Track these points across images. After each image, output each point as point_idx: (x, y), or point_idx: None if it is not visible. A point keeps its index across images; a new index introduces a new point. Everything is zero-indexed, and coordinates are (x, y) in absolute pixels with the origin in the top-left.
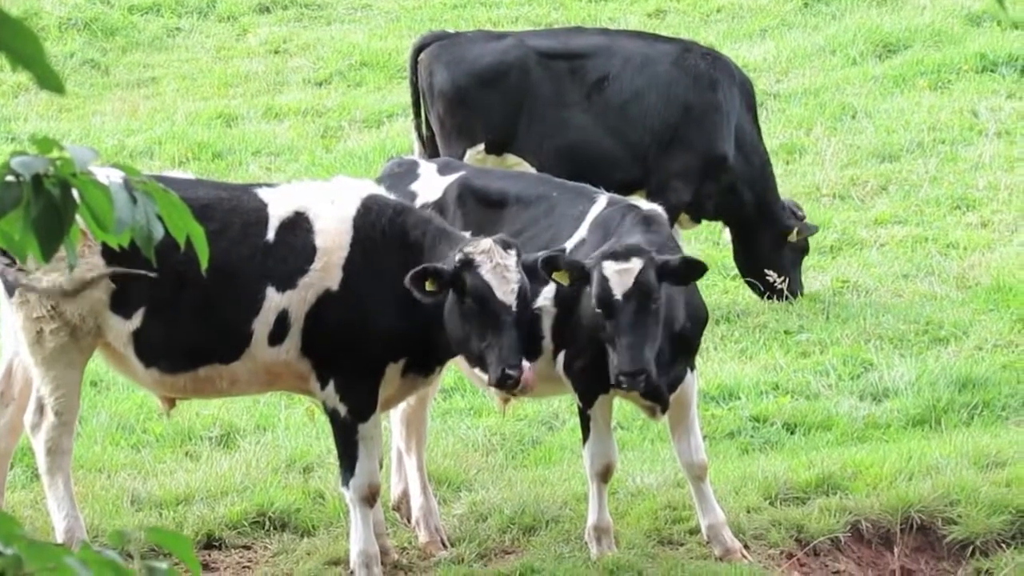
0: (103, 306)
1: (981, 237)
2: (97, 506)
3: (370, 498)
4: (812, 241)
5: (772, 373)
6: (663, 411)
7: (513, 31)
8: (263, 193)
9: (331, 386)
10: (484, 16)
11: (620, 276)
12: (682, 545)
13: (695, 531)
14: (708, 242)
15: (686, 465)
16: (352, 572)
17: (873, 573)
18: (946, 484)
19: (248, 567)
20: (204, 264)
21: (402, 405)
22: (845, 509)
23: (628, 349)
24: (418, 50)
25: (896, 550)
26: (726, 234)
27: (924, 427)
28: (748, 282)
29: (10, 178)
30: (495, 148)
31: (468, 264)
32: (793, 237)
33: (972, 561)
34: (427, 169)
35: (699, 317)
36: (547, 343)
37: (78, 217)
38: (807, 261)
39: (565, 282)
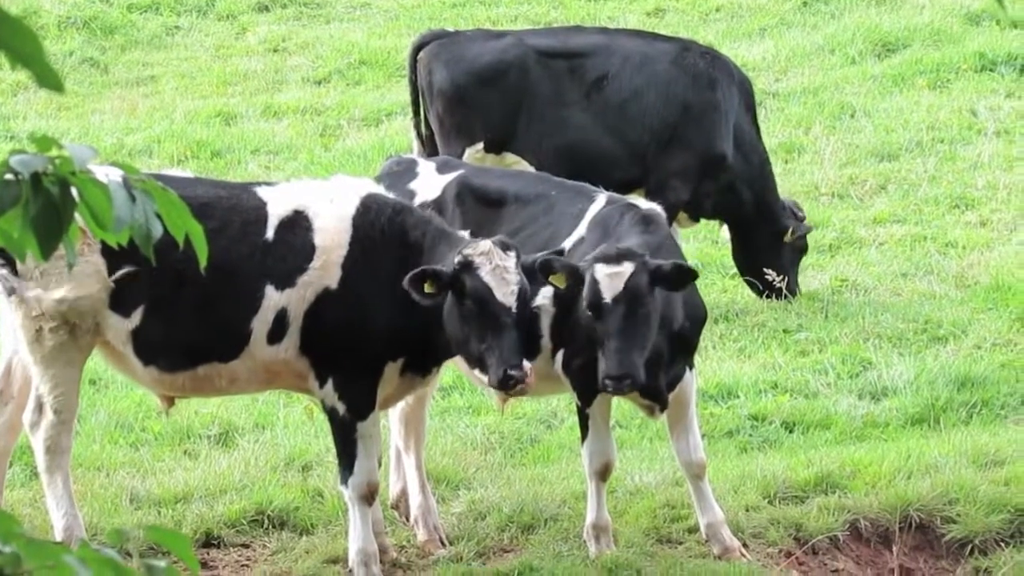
0: (102, 304)
1: (980, 236)
2: (96, 504)
3: (369, 496)
4: (811, 240)
5: (771, 372)
6: (662, 410)
7: (512, 30)
8: (262, 192)
9: (330, 384)
10: (483, 15)
11: (610, 280)
12: (681, 543)
13: (694, 529)
14: (707, 240)
15: (685, 464)
16: (351, 570)
17: (872, 572)
18: (945, 483)
19: (247, 565)
20: (203, 262)
21: (401, 404)
22: (844, 508)
23: (615, 353)
24: (417, 49)
25: (895, 549)
26: (725, 232)
27: (923, 426)
28: (747, 281)
29: (9, 176)
30: (494, 147)
31: (467, 266)
32: (788, 237)
33: (971, 560)
34: (426, 168)
35: (698, 316)
36: (546, 342)
37: (77, 215)
38: (806, 260)
39: (561, 285)
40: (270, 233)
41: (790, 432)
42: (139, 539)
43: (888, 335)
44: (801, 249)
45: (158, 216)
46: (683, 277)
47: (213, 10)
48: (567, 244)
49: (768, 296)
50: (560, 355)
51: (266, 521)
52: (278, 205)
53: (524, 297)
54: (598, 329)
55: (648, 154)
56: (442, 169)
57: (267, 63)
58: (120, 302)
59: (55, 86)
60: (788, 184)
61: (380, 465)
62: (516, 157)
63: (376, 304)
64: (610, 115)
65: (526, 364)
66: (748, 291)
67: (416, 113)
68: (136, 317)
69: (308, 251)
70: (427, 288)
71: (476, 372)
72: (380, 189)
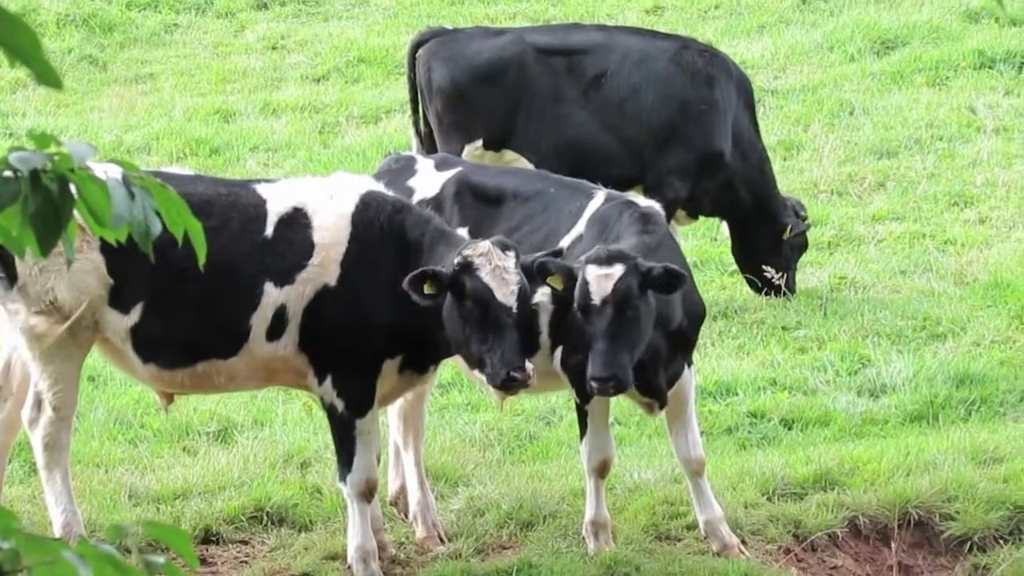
0: (101, 301)
1: (979, 233)
2: (95, 501)
3: (367, 493)
4: (810, 237)
5: (770, 369)
6: (661, 407)
7: (511, 27)
8: (262, 189)
9: (328, 381)
10: (482, 12)
11: (599, 281)
12: (680, 540)
13: (693, 526)
14: (705, 238)
15: (684, 461)
16: (349, 567)
17: (871, 569)
18: (944, 480)
19: (246, 562)
20: (202, 259)
21: (399, 400)
22: (843, 505)
23: (600, 355)
24: (416, 46)
25: (894, 546)
26: (724, 230)
27: (922, 423)
28: (747, 278)
29: (8, 174)
30: (493, 144)
31: (467, 267)
32: (787, 234)
33: (970, 557)
34: (424, 165)
35: (696, 313)
36: (544, 339)
37: (76, 212)
38: (805, 257)
39: (559, 287)
40: (269, 230)
41: (789, 429)
42: (138, 535)
43: (887, 332)
44: (800, 247)
45: (157, 213)
46: (673, 281)
47: (212, 8)
48: (566, 241)
49: (767, 293)
50: (559, 352)
51: (265, 517)
52: (277, 202)
53: (524, 297)
54: (586, 330)
55: (646, 151)
56: (441, 166)
57: (266, 61)
58: (119, 299)
59: (54, 83)
60: (787, 182)
61: (379, 462)
62: (515, 154)
63: (375, 301)
64: (609, 112)
65: (528, 365)
66: (747, 288)
67: (415, 111)
68: (135, 314)
69: (307, 248)
70: (427, 289)
71: (476, 372)
72: (380, 187)
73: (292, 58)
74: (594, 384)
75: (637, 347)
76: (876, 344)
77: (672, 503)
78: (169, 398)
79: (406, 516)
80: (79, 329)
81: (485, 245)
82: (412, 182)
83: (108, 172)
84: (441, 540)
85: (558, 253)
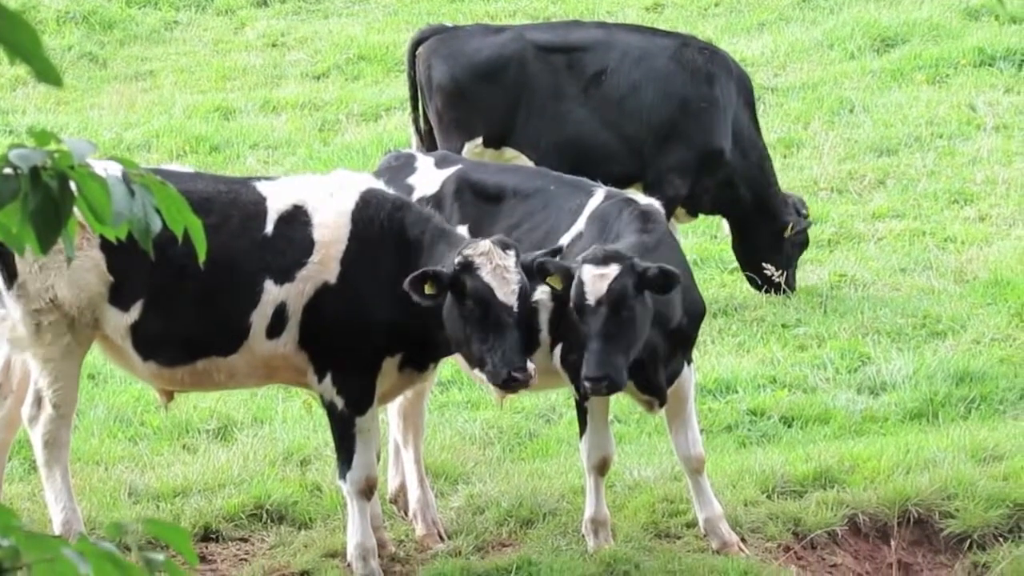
0: (101, 299)
1: (979, 231)
2: (95, 498)
3: (367, 491)
4: (810, 235)
5: (769, 367)
6: (660, 405)
7: (511, 24)
8: (262, 186)
9: (328, 379)
10: (482, 10)
11: (594, 281)
12: (679, 538)
13: (692, 524)
14: (705, 235)
15: (683, 458)
16: (349, 565)
17: (870, 566)
18: (943, 478)
19: (245, 559)
20: (202, 257)
21: (399, 398)
22: (842, 502)
23: (593, 355)
24: (416, 44)
25: (893, 543)
26: (725, 227)
27: (921, 421)
28: (747, 276)
29: (8, 171)
30: (493, 142)
31: (468, 266)
32: (787, 232)
33: (969, 554)
34: (424, 163)
35: (696, 311)
36: (544, 336)
37: (76, 210)
38: (805, 255)
39: (558, 287)
40: (269, 228)
41: (789, 427)
42: (138, 533)
43: (887, 330)
44: (801, 244)
45: (157, 211)
46: (668, 281)
47: (212, 5)
48: (566, 239)
49: (767, 291)
50: (558, 349)
51: (264, 515)
52: (277, 200)
53: (525, 296)
54: (581, 330)
55: (646, 149)
56: (440, 164)
57: (266, 58)
58: (119, 296)
59: (54, 81)
60: (787, 179)
61: (379, 459)
62: (515, 152)
63: (375, 299)
64: (609, 110)
65: (530, 365)
66: (747, 286)
67: (415, 108)
68: (135, 311)
69: (307, 246)
70: (427, 289)
71: (477, 372)
72: (380, 184)
73: (292, 55)
74: (587, 384)
75: (633, 347)
76: (876, 342)
77: (672, 501)
78: (169, 396)
79: (406, 514)
80: (79, 327)
81: (485, 244)
82: (412, 180)
83: (108, 169)
84: (441, 538)
85: (557, 251)
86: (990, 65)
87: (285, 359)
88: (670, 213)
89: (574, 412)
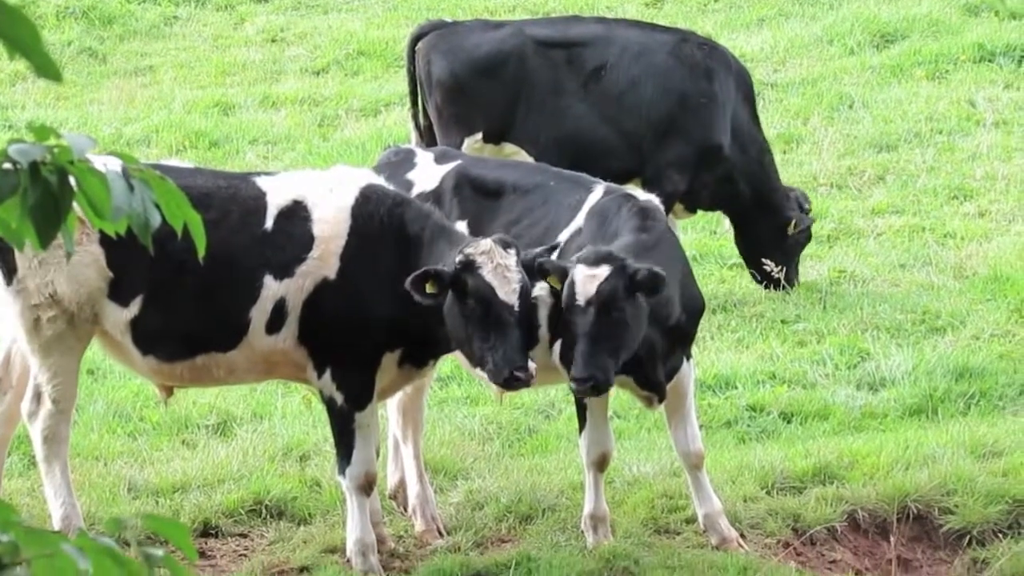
0: (101, 294)
1: (978, 227)
2: (94, 494)
3: (366, 486)
4: (811, 230)
5: (769, 362)
6: (660, 400)
7: (511, 20)
8: (261, 182)
9: (328, 375)
10: (481, 5)
11: (585, 282)
12: (678, 534)
13: (692, 520)
14: (705, 231)
15: (683, 454)
16: (348, 560)
17: (869, 562)
18: (943, 474)
19: (244, 555)
20: (201, 252)
21: (399, 394)
22: (842, 499)
23: (580, 355)
24: (415, 39)
25: (892, 539)
26: (725, 223)
27: (921, 417)
28: (751, 272)
29: (7, 166)
30: (493, 137)
31: (469, 266)
32: (790, 229)
33: (968, 551)
34: (424, 158)
35: (695, 307)
36: (543, 332)
37: (75, 205)
38: (804, 251)
39: (557, 286)
40: (269, 223)
41: (788, 423)
42: (137, 528)
43: (886, 326)
44: (803, 240)
45: (156, 206)
46: (656, 284)
47: (211, 0)
48: (565, 234)
49: (767, 286)
50: (558, 345)
51: (264, 511)
52: (277, 195)
53: (526, 295)
54: (571, 330)
55: (645, 144)
56: (440, 159)
57: (265, 53)
58: (119, 291)
59: (53, 76)
60: (786, 175)
61: (378, 455)
62: (515, 147)
63: (374, 295)
64: (608, 105)
65: (531, 364)
66: (746, 282)
67: (414, 103)
68: (135, 307)
69: (307, 241)
70: (429, 288)
71: (478, 371)
72: (380, 180)
73: (291, 51)
74: (573, 384)
75: (622, 348)
76: (875, 338)
77: (671, 497)
78: (168, 391)
79: (405, 509)
80: (78, 322)
81: (487, 243)
82: (411, 175)
83: (107, 164)
84: (440, 533)
85: (553, 248)
86: (990, 61)
87: (284, 355)
88: (668, 209)
89: (573, 408)
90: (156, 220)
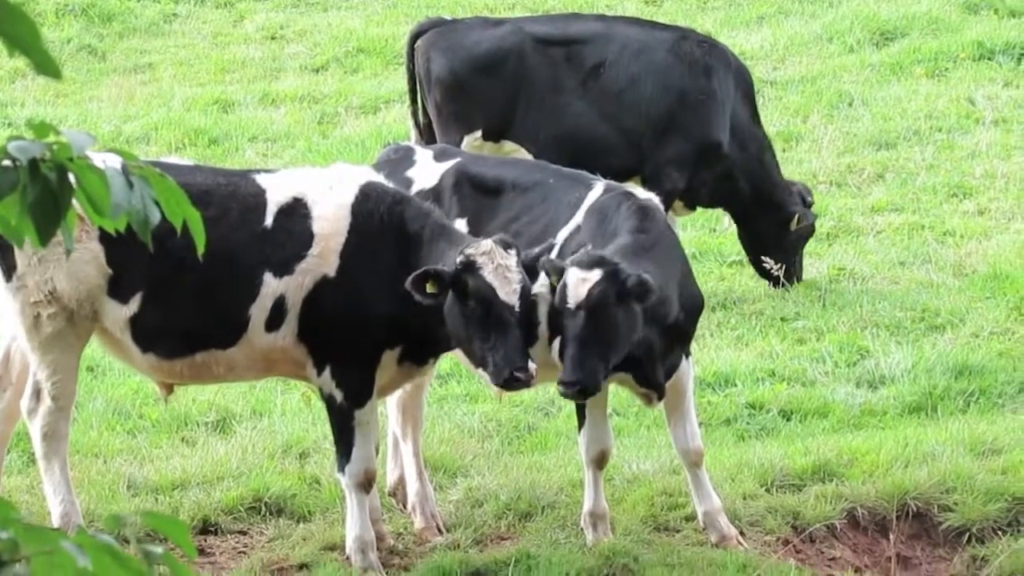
0: (100, 291)
1: (978, 225)
2: (93, 491)
3: (366, 484)
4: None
5: (768, 360)
6: (659, 398)
7: (510, 17)
8: (261, 179)
9: (327, 372)
10: (481, 2)
11: (576, 286)
12: (678, 532)
13: (691, 518)
14: (704, 229)
15: (682, 452)
16: (348, 558)
17: (869, 560)
18: (942, 471)
19: (244, 552)
20: (201, 249)
21: (398, 391)
22: (841, 496)
23: (568, 359)
24: (415, 37)
25: (892, 537)
26: (726, 220)
27: (920, 414)
28: (756, 269)
29: (7, 163)
30: (492, 135)
31: (470, 266)
32: (793, 225)
33: (968, 548)
34: (423, 156)
35: (695, 305)
36: (543, 330)
37: (75, 202)
38: (804, 247)
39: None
40: (269, 220)
41: (787, 420)
42: (136, 525)
43: (886, 323)
44: (806, 236)
45: (156, 203)
46: (644, 292)
47: None
48: (564, 232)
49: (770, 284)
50: (557, 343)
51: (263, 508)
52: (277, 192)
53: (526, 295)
54: (561, 333)
55: (644, 142)
56: (439, 157)
57: (265, 51)
58: (118, 289)
59: (53, 73)
60: (786, 172)
61: (378, 453)
62: (514, 145)
63: (374, 292)
64: (607, 103)
65: (531, 364)
66: (746, 279)
67: (414, 101)
68: (134, 304)
69: (307, 239)
70: (429, 288)
71: (479, 370)
72: (379, 178)
73: (291, 48)
74: (560, 388)
75: (612, 352)
76: (875, 335)
77: (670, 494)
78: (168, 388)
79: (404, 507)
80: (78, 319)
81: (487, 244)
82: (411, 173)
83: (107, 162)
84: (439, 531)
85: (550, 248)
86: (989, 59)
87: (284, 352)
88: (668, 206)
89: (573, 405)
90: (156, 217)
